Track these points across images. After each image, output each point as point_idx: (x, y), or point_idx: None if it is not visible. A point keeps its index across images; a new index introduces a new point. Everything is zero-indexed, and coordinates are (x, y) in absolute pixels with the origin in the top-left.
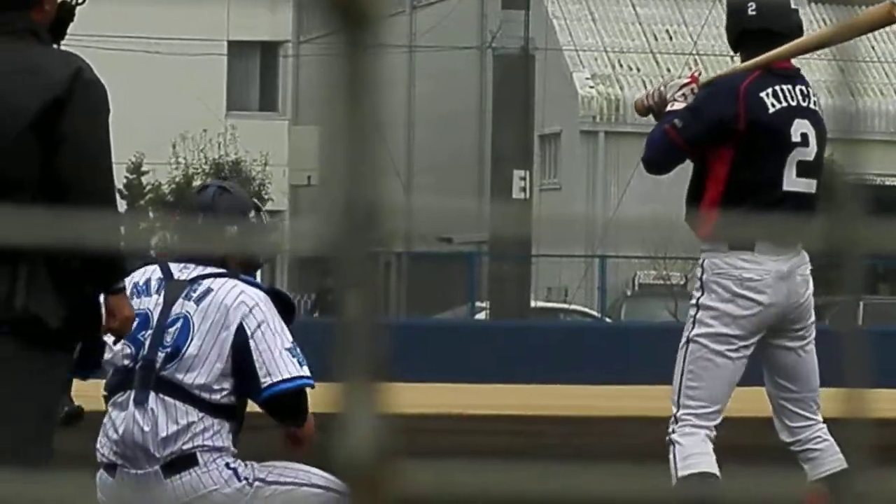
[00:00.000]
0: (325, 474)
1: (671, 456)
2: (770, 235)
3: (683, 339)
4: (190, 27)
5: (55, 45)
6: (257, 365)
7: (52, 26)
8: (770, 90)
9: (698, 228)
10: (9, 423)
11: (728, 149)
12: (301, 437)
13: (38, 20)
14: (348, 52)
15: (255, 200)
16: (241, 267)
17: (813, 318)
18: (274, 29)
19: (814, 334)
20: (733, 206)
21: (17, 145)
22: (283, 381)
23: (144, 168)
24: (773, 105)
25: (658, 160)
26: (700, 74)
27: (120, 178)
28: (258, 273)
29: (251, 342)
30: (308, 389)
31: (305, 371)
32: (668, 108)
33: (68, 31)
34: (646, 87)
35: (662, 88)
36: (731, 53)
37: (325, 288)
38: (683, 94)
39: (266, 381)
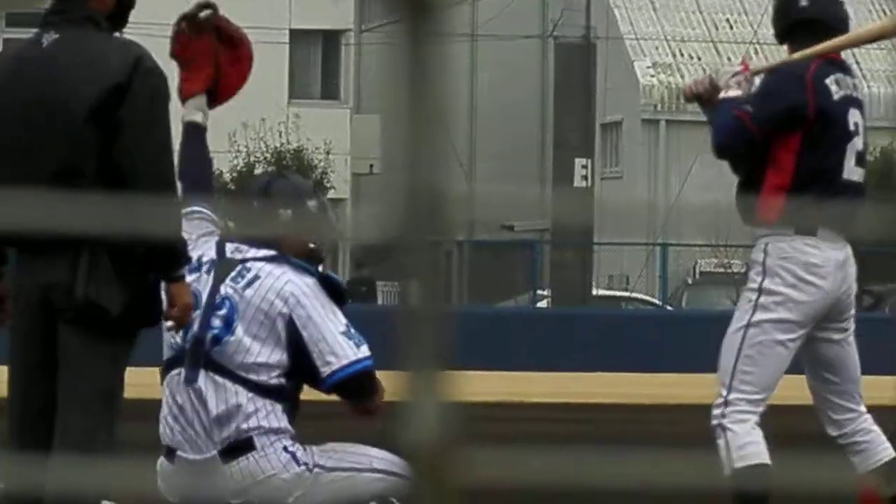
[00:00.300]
0: (387, 456)
1: (722, 442)
2: (836, 223)
3: (742, 323)
4: (252, 16)
5: (115, 34)
6: (314, 356)
7: (111, 15)
8: (833, 77)
9: (760, 215)
10: (71, 410)
11: (794, 136)
12: (372, 410)
13: (96, 8)
14: (411, 41)
15: (317, 189)
16: (302, 258)
17: (854, 309)
18: (336, 17)
19: (854, 325)
20: (798, 193)
21: (77, 133)
22: (343, 367)
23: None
24: (837, 92)
25: (730, 144)
26: (751, 62)
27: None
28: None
29: (304, 333)
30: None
31: (363, 352)
32: (723, 94)
33: (129, 19)
34: (713, 70)
35: (713, 76)
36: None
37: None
38: (737, 82)
39: (325, 370)
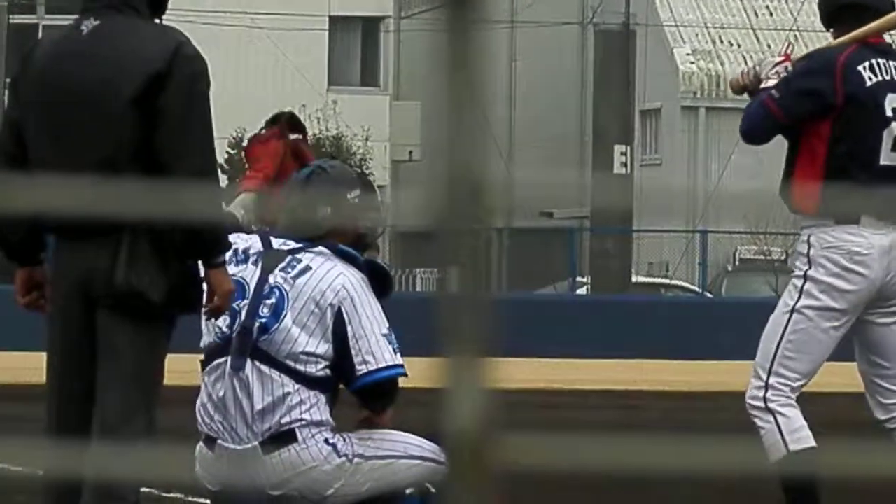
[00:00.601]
0: (421, 442)
1: (772, 426)
2: (878, 209)
3: (786, 308)
4: (292, 2)
5: (156, 20)
6: (353, 352)
7: (152, 1)
8: (867, 63)
9: (798, 204)
10: (110, 396)
11: (825, 123)
12: (378, 423)
13: None
14: (451, 28)
15: (361, 175)
16: (349, 245)
17: None
18: (375, 4)
19: None
20: (832, 181)
21: (118, 120)
22: (380, 369)
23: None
24: (871, 79)
25: (755, 130)
26: (793, 52)
27: (221, 152)
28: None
29: (348, 328)
30: (400, 379)
31: (399, 359)
32: (763, 85)
33: (169, 5)
34: (746, 63)
35: (757, 67)
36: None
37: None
38: (777, 73)
39: (362, 368)
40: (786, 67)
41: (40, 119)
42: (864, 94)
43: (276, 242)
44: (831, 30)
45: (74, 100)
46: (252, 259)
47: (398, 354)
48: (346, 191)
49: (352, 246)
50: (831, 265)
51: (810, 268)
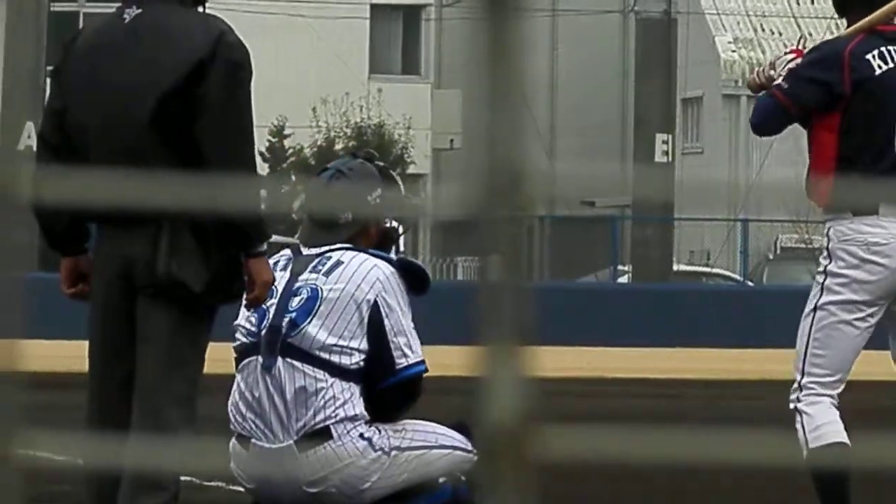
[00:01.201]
0: (450, 432)
1: (799, 426)
2: (893, 198)
3: (810, 307)
4: None
5: (198, 9)
6: (392, 346)
7: None
8: (876, 52)
9: (814, 197)
10: (150, 386)
11: (834, 115)
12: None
13: None
14: (492, 16)
15: (387, 176)
16: (375, 246)
17: None
18: None
19: None
20: (844, 172)
21: (160, 108)
22: (415, 364)
23: (287, 131)
24: (880, 67)
25: (764, 121)
26: (805, 48)
27: (262, 141)
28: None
29: (386, 321)
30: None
31: (421, 354)
32: (777, 80)
33: None
34: (772, 59)
35: (771, 65)
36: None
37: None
38: (789, 69)
39: (402, 362)
40: (798, 63)
41: (83, 106)
42: (874, 83)
43: (305, 249)
44: (843, 19)
45: (117, 87)
46: (281, 266)
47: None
48: (366, 192)
49: (377, 245)
50: (850, 257)
51: (830, 262)
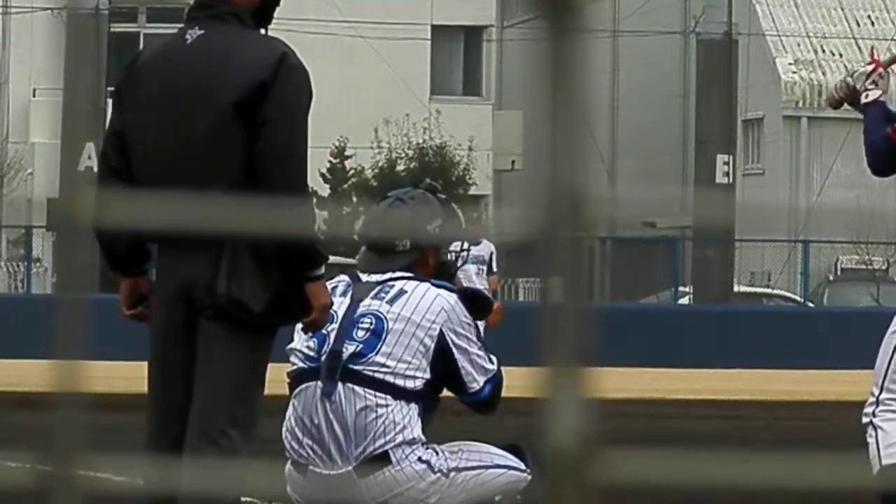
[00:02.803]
0: (501, 452)
1: (872, 441)
2: None
3: None
4: (394, 11)
5: (260, 31)
6: (463, 372)
7: (257, 11)
8: None
9: None
10: (210, 406)
11: None
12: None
13: (241, 4)
14: (553, 37)
15: (446, 205)
16: (433, 276)
17: None
18: (477, 13)
19: None
20: None
21: (221, 129)
22: (485, 383)
23: (348, 152)
24: None
25: (883, 165)
26: (879, 58)
27: (323, 162)
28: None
29: (454, 350)
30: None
31: (495, 364)
32: (864, 99)
33: (274, 15)
34: (847, 72)
35: (849, 79)
36: None
37: None
38: (873, 81)
39: (473, 386)
40: (879, 74)
41: (144, 127)
42: None
43: (364, 276)
44: None
45: (178, 107)
46: (340, 291)
47: (493, 359)
48: (426, 221)
49: (435, 275)
50: None
51: None
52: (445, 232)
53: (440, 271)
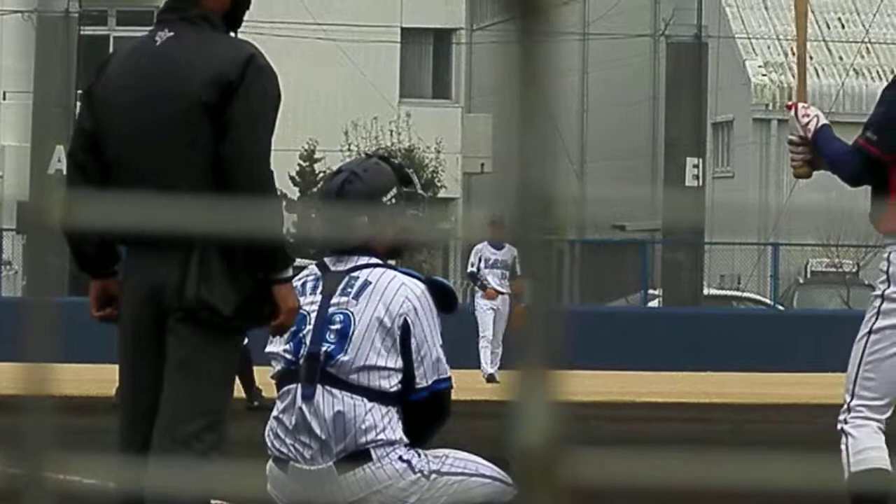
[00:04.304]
0: (487, 463)
1: (843, 447)
2: None
3: (865, 330)
4: (363, 14)
5: (230, 34)
6: (415, 364)
7: (227, 15)
8: None
9: (883, 224)
10: (179, 409)
11: None
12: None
13: (211, 7)
14: (522, 40)
15: (400, 172)
16: (387, 253)
17: None
18: (447, 16)
19: None
20: None
21: (190, 130)
22: (442, 380)
23: (317, 155)
24: None
25: (857, 175)
26: (793, 103)
27: (293, 165)
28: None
29: (413, 340)
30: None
31: (448, 372)
32: (809, 134)
33: (243, 19)
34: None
35: (791, 139)
36: None
37: None
38: (805, 115)
39: (421, 383)
40: (797, 114)
41: (114, 127)
42: None
43: (331, 263)
44: None
45: (147, 108)
46: (310, 289)
47: (447, 369)
48: (380, 195)
49: (391, 249)
50: None
51: (889, 286)
52: (401, 203)
53: (394, 250)
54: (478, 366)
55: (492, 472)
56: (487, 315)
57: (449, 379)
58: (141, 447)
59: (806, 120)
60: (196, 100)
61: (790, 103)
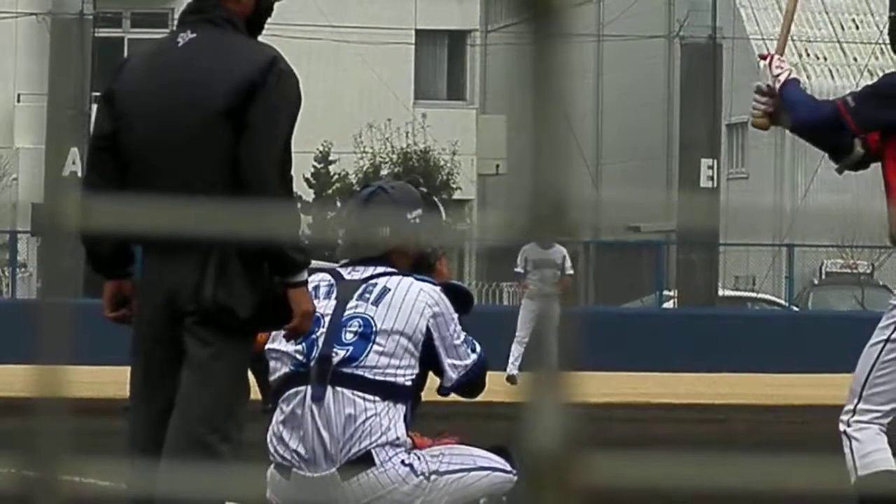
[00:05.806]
0: (485, 454)
1: (848, 451)
2: None
3: (882, 337)
4: (378, 16)
5: (251, 37)
6: (445, 365)
7: (249, 21)
8: None
9: (891, 227)
10: (193, 410)
11: None
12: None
13: (235, 11)
14: (537, 42)
15: (427, 199)
16: (412, 267)
17: None
18: (462, 18)
19: None
20: None
21: (211, 130)
22: (467, 371)
23: (332, 157)
24: None
25: (819, 126)
26: (769, 53)
27: (308, 167)
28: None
29: (437, 343)
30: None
31: (477, 351)
32: (777, 85)
33: (265, 25)
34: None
35: (760, 85)
36: None
37: None
38: (778, 67)
39: (452, 376)
40: (770, 63)
41: (135, 129)
42: None
43: (346, 272)
44: None
45: (168, 110)
46: (324, 293)
47: (477, 348)
48: (406, 211)
49: (413, 266)
50: None
51: None
52: (427, 225)
53: (419, 262)
54: (498, 368)
55: (489, 463)
56: (526, 316)
57: (480, 351)
58: (154, 448)
59: (778, 72)
60: (218, 103)
61: (765, 53)
